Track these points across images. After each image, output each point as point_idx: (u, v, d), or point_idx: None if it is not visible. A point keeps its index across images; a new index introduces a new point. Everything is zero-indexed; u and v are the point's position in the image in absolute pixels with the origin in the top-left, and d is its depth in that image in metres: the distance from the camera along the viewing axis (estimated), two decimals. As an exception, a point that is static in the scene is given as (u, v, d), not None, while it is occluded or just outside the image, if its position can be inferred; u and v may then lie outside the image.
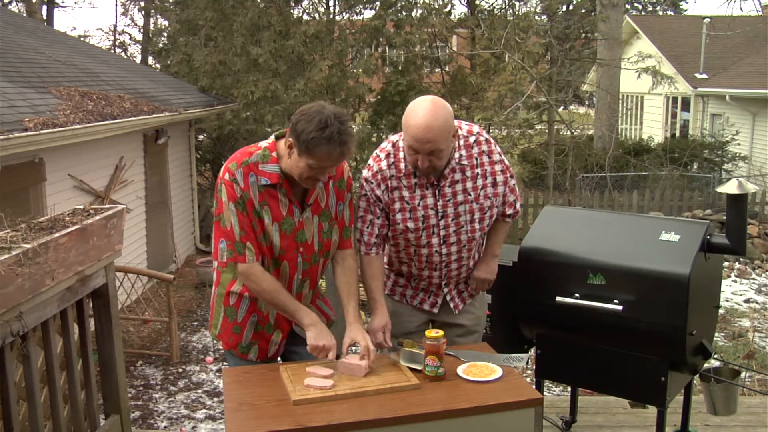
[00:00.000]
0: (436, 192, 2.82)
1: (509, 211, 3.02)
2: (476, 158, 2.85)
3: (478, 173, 2.85)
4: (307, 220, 2.64)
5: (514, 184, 3.02)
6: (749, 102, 15.67)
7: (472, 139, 2.85)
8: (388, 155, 2.85)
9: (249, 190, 2.56)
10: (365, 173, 2.89)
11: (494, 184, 2.89)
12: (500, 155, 2.92)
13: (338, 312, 2.92)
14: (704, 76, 17.43)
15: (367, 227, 2.87)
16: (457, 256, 2.94)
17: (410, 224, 2.85)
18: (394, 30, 13.19)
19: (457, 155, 2.81)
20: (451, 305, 3.06)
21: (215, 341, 2.73)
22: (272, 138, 2.64)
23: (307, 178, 2.52)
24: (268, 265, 2.64)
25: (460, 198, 2.84)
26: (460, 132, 2.83)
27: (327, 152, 2.42)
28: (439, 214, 2.85)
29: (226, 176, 2.56)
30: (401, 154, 2.82)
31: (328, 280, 2.91)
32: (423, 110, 2.61)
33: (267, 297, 2.62)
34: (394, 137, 2.90)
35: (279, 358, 2.87)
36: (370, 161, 2.89)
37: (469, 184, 2.84)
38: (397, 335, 2.96)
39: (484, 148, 2.87)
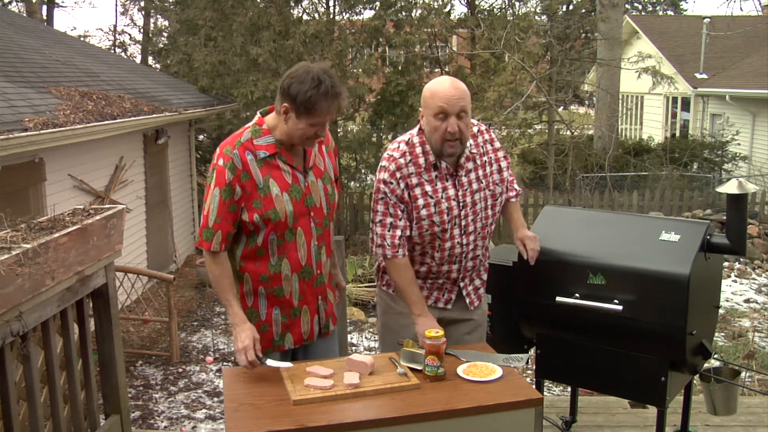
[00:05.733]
0: (456, 183, 2.88)
1: (512, 193, 3.14)
2: (482, 146, 2.97)
3: (486, 161, 2.96)
4: (312, 185, 2.71)
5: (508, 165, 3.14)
6: (749, 102, 15.67)
7: (475, 129, 2.98)
8: (404, 154, 2.85)
9: (249, 168, 2.60)
10: (381, 175, 2.85)
11: (500, 171, 3.01)
12: (498, 141, 3.07)
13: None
14: (704, 76, 17.43)
15: (389, 230, 2.84)
16: (473, 245, 2.97)
17: (436, 218, 2.85)
18: (394, 30, 13.17)
19: (468, 143, 2.88)
20: (467, 301, 3.07)
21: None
22: (258, 116, 2.71)
23: (308, 138, 2.61)
24: (283, 237, 2.64)
25: (475, 186, 2.92)
26: None
27: (327, 107, 2.53)
28: (461, 204, 2.89)
29: (220, 162, 2.60)
30: (418, 150, 2.84)
31: None
32: (445, 79, 2.80)
33: (213, 280, 2.67)
34: (404, 137, 2.92)
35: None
36: (384, 162, 2.87)
37: (480, 172, 2.94)
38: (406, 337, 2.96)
39: (486, 136, 3.01)
